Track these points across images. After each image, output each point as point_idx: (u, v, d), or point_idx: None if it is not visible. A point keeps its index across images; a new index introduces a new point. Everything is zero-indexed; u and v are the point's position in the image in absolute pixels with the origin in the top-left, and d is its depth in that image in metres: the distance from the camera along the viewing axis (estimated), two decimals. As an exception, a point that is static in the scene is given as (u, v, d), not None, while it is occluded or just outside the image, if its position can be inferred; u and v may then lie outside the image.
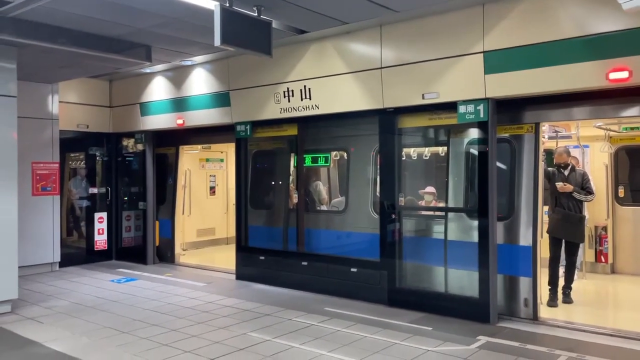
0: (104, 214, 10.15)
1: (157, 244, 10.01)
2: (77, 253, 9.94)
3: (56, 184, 9.15)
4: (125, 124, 10.19)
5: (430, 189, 6.89)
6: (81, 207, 10.20)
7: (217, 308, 6.63)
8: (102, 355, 4.98)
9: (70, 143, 9.83)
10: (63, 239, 9.54)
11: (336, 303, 6.76)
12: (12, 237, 6.53)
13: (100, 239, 10.05)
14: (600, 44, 5.06)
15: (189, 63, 8.64)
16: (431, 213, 6.96)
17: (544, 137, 6.30)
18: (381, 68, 6.60)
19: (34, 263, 8.86)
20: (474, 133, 6.18)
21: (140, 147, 10.11)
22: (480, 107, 5.82)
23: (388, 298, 6.64)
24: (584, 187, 6.66)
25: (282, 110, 7.66)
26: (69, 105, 9.68)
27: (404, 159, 6.98)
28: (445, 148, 6.78)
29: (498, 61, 5.68)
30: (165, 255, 10.00)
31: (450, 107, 6.09)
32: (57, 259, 9.24)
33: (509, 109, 5.98)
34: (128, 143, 10.43)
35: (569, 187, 6.57)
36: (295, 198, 8.02)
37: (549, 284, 6.57)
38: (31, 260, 8.75)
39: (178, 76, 9.13)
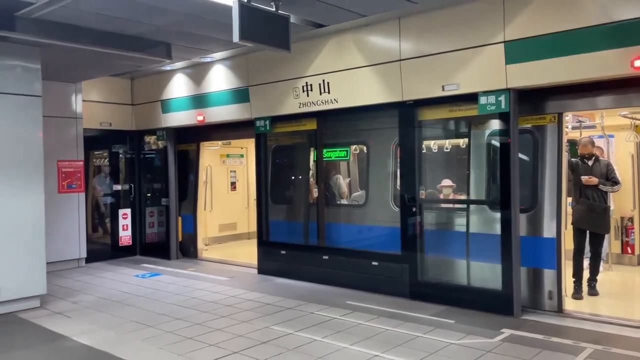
0: (128, 211, 10.31)
1: (180, 239, 10.14)
2: (103, 249, 10.13)
3: (81, 182, 9.33)
4: (147, 122, 10.32)
5: (447, 181, 6.85)
6: (106, 203, 10.37)
7: (239, 302, 6.70)
8: (128, 348, 5.07)
9: (94, 141, 9.98)
10: (89, 235, 9.72)
11: (357, 296, 6.77)
12: (40, 234, 6.68)
13: (125, 235, 10.22)
14: (624, 31, 4.94)
15: (208, 60, 8.70)
16: (452, 206, 6.91)
17: (567, 127, 6.19)
18: (400, 60, 6.56)
19: (61, 259, 9.05)
20: (495, 124, 6.10)
21: (161, 144, 10.23)
22: (502, 98, 5.75)
23: (410, 291, 6.63)
24: (609, 177, 6.54)
25: (301, 105, 7.67)
26: (92, 103, 9.84)
27: (424, 151, 6.93)
28: (466, 140, 6.71)
29: (519, 51, 5.59)
30: (188, 250, 10.13)
31: (470, 98, 6.03)
32: (84, 254, 9.43)
33: (531, 99, 5.89)
34: (150, 140, 10.56)
35: (594, 180, 6.46)
36: (315, 192, 8.04)
37: (574, 276, 6.48)
38: (59, 256, 8.94)
39: (198, 73, 9.21)
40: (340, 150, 8.25)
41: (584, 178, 6.47)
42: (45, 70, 7.09)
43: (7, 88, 6.46)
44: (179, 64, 9.02)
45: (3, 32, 5.90)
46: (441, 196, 6.94)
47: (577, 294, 6.40)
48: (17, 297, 6.49)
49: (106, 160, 10.53)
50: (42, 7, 5.39)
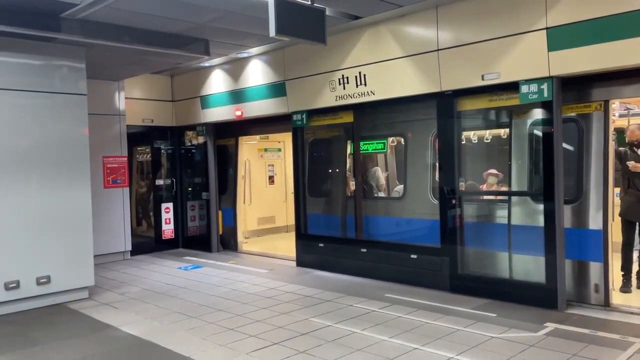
0: (170, 205, 10.56)
1: (220, 232, 10.33)
2: (147, 242, 10.41)
3: (125, 177, 9.60)
4: (187, 117, 10.52)
5: (493, 170, 6.72)
6: (149, 198, 10.65)
7: (279, 294, 6.78)
8: (172, 338, 5.21)
9: (137, 137, 10.25)
10: (133, 229, 10.00)
11: (397, 290, 6.74)
12: (88, 228, 6.92)
13: (168, 229, 10.48)
14: (676, 13, 4.72)
15: (245, 55, 8.79)
16: (493, 197, 6.78)
17: (614, 115, 5.97)
18: (438, 50, 6.46)
19: (107, 252, 9.37)
20: (537, 113, 5.94)
21: (201, 139, 10.42)
22: (544, 86, 5.59)
23: (450, 284, 6.55)
24: (660, 166, 6.27)
25: (338, 98, 7.66)
26: (135, 101, 10.09)
27: (463, 142, 6.81)
28: (507, 130, 6.56)
29: (563, 37, 5.41)
30: (229, 243, 10.31)
31: (511, 87, 5.88)
32: (129, 247, 9.73)
33: (575, 87, 5.70)
34: (190, 135, 10.78)
35: (641, 167, 6.22)
36: (352, 185, 8.02)
37: (622, 269, 6.26)
38: (105, 249, 9.26)
39: (235, 68, 9.32)
40: (377, 143, 8.20)
41: (630, 164, 6.22)
42: (90, 69, 7.30)
43: (55, 87, 6.70)
44: (217, 60, 9.15)
45: (50, 33, 6.12)
46: (485, 186, 6.81)
47: (625, 288, 6.19)
48: (67, 289, 6.75)
49: (149, 156, 10.81)
50: (86, 7, 5.56)
